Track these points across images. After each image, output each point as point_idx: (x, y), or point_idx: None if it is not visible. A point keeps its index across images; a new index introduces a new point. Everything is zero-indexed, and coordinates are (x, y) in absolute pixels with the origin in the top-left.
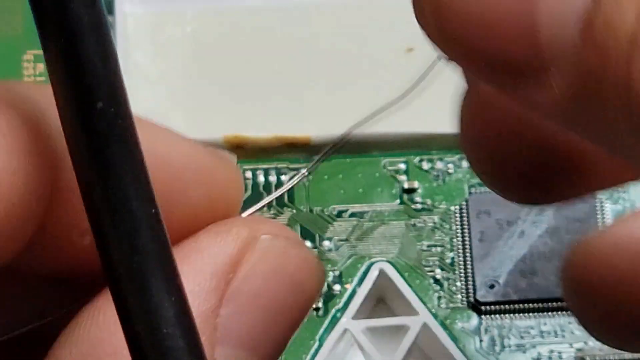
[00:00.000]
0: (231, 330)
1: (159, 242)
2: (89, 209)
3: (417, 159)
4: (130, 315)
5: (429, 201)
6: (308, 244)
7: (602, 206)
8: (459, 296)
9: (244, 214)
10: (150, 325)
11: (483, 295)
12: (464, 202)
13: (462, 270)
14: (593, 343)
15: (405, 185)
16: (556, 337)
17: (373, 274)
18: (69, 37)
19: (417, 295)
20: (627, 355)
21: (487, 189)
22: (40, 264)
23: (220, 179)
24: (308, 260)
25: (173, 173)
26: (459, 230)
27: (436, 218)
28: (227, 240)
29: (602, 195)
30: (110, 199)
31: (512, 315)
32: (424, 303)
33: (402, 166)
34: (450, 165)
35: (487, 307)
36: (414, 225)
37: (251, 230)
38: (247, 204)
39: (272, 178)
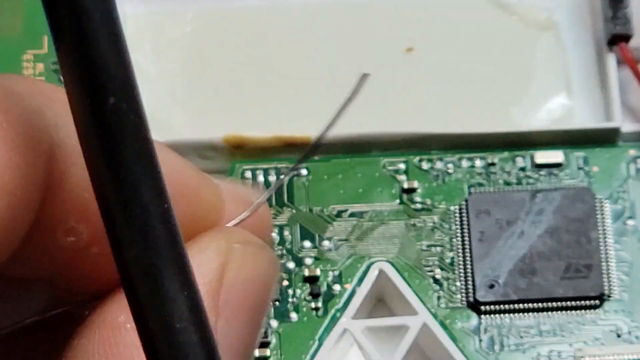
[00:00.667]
0: (226, 341)
1: (171, 236)
2: (102, 204)
3: (416, 158)
4: (143, 311)
5: (428, 201)
6: (308, 244)
7: (602, 206)
8: (459, 296)
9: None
10: (163, 320)
11: (482, 295)
12: (463, 202)
13: (461, 270)
14: (592, 343)
15: (405, 185)
16: (555, 336)
17: (373, 273)
18: (80, 32)
19: (416, 295)
20: (627, 355)
21: (487, 189)
22: (26, 265)
23: (204, 201)
24: (274, 260)
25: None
26: (459, 230)
27: (436, 218)
28: (211, 255)
29: (601, 195)
30: (123, 194)
31: (511, 315)
32: (424, 303)
33: (402, 166)
34: (450, 165)
35: (487, 307)
36: (414, 225)
37: (227, 241)
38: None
39: (272, 178)
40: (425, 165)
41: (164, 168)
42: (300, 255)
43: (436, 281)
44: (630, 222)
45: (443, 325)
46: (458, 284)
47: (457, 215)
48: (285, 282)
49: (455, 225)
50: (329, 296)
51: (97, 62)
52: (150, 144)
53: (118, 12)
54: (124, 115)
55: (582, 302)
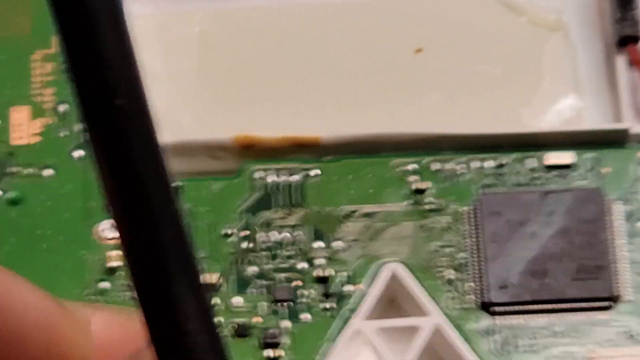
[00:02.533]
0: None
1: (179, 237)
2: (110, 206)
3: (427, 159)
4: (152, 312)
5: (439, 202)
6: (319, 244)
7: (613, 207)
8: (471, 297)
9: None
10: (172, 321)
11: (495, 296)
12: (474, 203)
13: (474, 271)
14: (605, 344)
15: (416, 186)
16: (568, 338)
17: (384, 274)
18: (86, 32)
19: (429, 296)
20: (639, 357)
21: (499, 189)
22: None
23: (65, 339)
24: None
25: (13, 322)
26: (470, 231)
27: (447, 219)
28: None
29: (612, 196)
30: (130, 196)
31: (524, 316)
32: (436, 304)
33: (413, 167)
34: (461, 166)
35: (499, 308)
36: (425, 226)
37: None
38: (258, 205)
39: (283, 178)
40: (436, 166)
41: (18, 301)
42: (311, 255)
43: (448, 282)
44: None
45: (455, 326)
46: (470, 285)
47: (469, 216)
48: (298, 283)
49: (467, 226)
50: (341, 297)
51: (103, 62)
52: (159, 145)
53: (125, 11)
54: (131, 117)
55: (594, 303)
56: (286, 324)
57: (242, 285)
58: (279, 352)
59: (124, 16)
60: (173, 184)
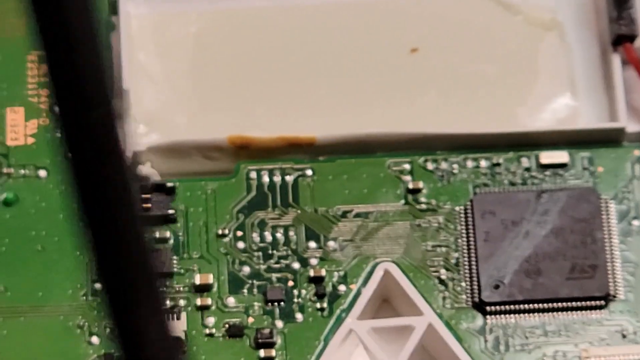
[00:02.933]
0: None
1: (144, 262)
2: (81, 226)
3: (421, 159)
4: (117, 334)
5: (433, 201)
6: (313, 244)
7: (607, 206)
8: (464, 296)
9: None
10: (133, 345)
11: (488, 295)
12: (468, 202)
13: (467, 271)
14: (598, 343)
15: (410, 186)
16: (561, 337)
17: (378, 274)
18: (63, 45)
19: (422, 295)
20: (632, 355)
21: (492, 189)
22: None
23: None
24: None
25: None
26: (464, 231)
27: (441, 218)
28: None
29: (606, 195)
30: (99, 218)
31: (516, 315)
32: (429, 303)
33: (407, 166)
34: (455, 166)
35: (492, 308)
36: (419, 225)
37: None
38: (252, 205)
39: (277, 178)
40: (430, 166)
41: None
42: (305, 255)
43: (441, 281)
44: (635, 223)
45: (448, 325)
46: (463, 284)
47: (462, 215)
48: (291, 283)
49: (461, 225)
50: (334, 297)
51: (79, 76)
52: (127, 164)
53: (99, 24)
54: (107, 129)
55: (588, 302)
56: (280, 324)
57: (236, 285)
58: (273, 352)
59: (98, 29)
60: (139, 204)
